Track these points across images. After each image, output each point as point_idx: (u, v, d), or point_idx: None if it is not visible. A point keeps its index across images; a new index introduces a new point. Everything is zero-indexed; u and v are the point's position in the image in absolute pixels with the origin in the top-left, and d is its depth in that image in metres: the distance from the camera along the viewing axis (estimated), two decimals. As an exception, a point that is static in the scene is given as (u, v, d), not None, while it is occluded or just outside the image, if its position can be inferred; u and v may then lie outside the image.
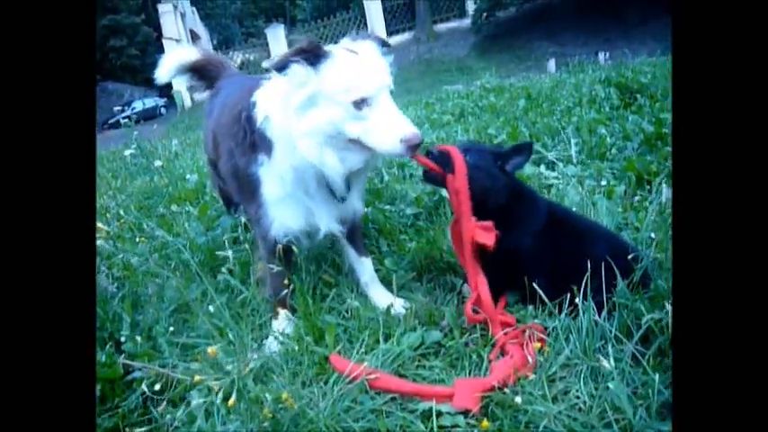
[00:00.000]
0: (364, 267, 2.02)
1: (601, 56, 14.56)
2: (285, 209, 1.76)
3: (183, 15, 31.38)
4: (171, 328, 1.79)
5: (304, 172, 1.65)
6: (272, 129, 1.65)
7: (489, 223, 1.67)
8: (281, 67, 1.50)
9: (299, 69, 1.50)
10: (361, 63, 1.54)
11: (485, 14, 24.96)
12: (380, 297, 1.98)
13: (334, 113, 1.51)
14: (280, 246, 1.79)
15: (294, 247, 1.85)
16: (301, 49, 1.50)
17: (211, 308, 1.83)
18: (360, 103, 1.49)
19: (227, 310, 1.88)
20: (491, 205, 1.73)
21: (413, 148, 1.50)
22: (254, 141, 1.70)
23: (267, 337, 1.82)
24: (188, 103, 29.09)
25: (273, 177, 1.72)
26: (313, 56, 1.50)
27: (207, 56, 2.62)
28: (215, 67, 2.59)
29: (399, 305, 1.87)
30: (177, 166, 5.01)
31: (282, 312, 1.79)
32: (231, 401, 1.27)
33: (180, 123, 22.48)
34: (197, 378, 1.38)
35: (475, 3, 25.68)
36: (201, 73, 2.58)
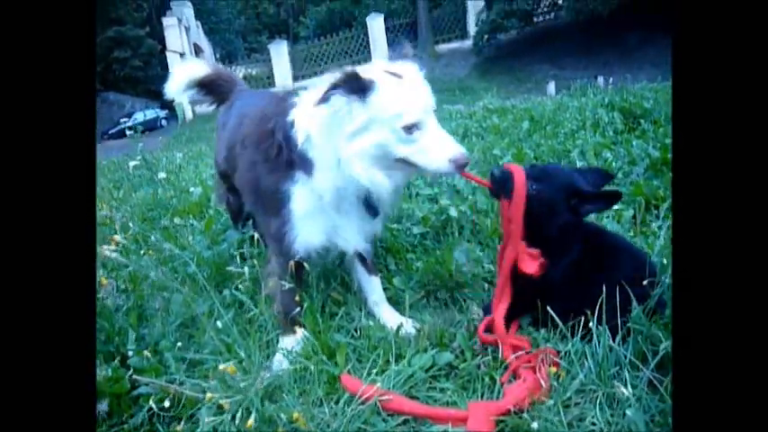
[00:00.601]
0: (373, 286, 2.02)
1: (600, 79, 14.71)
2: (312, 225, 1.78)
3: (187, 29, 31.68)
4: (179, 344, 1.77)
5: (346, 190, 1.70)
6: (313, 149, 1.67)
7: (536, 251, 1.61)
8: (324, 99, 1.56)
9: (337, 100, 1.55)
10: (408, 89, 1.60)
11: (486, 36, 25.25)
12: (389, 317, 1.96)
13: (384, 137, 1.57)
14: (292, 262, 1.79)
15: (306, 265, 1.84)
16: (340, 82, 1.53)
17: (219, 323, 1.82)
18: (411, 128, 1.55)
19: (235, 326, 1.87)
20: (542, 236, 1.65)
21: (461, 167, 1.57)
22: (291, 159, 1.72)
23: (275, 354, 1.80)
24: (189, 115, 29.20)
25: (307, 195, 1.74)
26: (356, 86, 1.54)
27: (217, 71, 2.61)
28: (225, 82, 2.59)
29: (410, 325, 1.86)
30: (180, 179, 5.01)
31: (299, 331, 1.77)
32: (250, 422, 1.25)
33: (181, 135, 22.52)
34: (209, 396, 1.36)
35: (477, 25, 26.00)
36: (211, 88, 2.57)
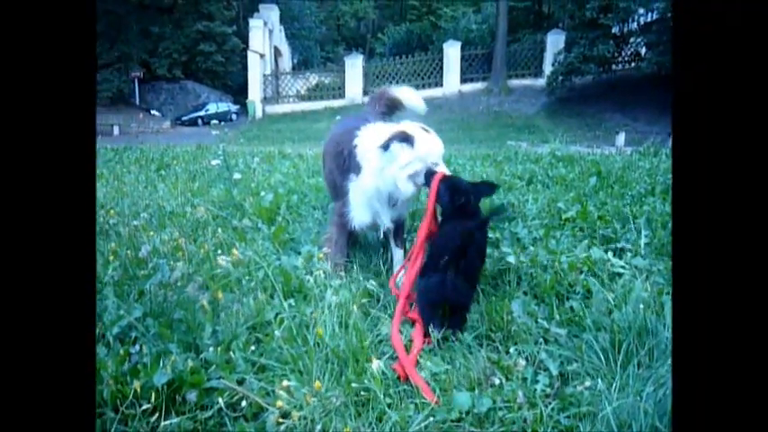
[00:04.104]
0: (395, 255, 2.94)
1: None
2: (361, 209, 2.77)
3: (270, 32, 33.09)
4: (252, 347, 1.94)
5: (382, 190, 2.65)
6: (364, 161, 2.66)
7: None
8: (385, 146, 2.51)
9: (395, 146, 2.50)
10: (433, 140, 2.59)
11: (561, 78, 25.09)
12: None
13: (418, 167, 2.54)
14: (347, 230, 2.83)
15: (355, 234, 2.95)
16: (397, 135, 2.51)
17: (277, 333, 1.97)
18: (433, 164, 2.54)
19: (300, 337, 2.03)
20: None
21: None
22: (350, 167, 2.74)
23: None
24: (259, 114, 30.34)
25: (357, 189, 2.74)
26: (407, 138, 2.51)
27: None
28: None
29: None
30: (252, 181, 5.30)
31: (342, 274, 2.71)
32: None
33: (249, 132, 23.44)
34: (279, 404, 1.51)
35: (553, 65, 25.89)
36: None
